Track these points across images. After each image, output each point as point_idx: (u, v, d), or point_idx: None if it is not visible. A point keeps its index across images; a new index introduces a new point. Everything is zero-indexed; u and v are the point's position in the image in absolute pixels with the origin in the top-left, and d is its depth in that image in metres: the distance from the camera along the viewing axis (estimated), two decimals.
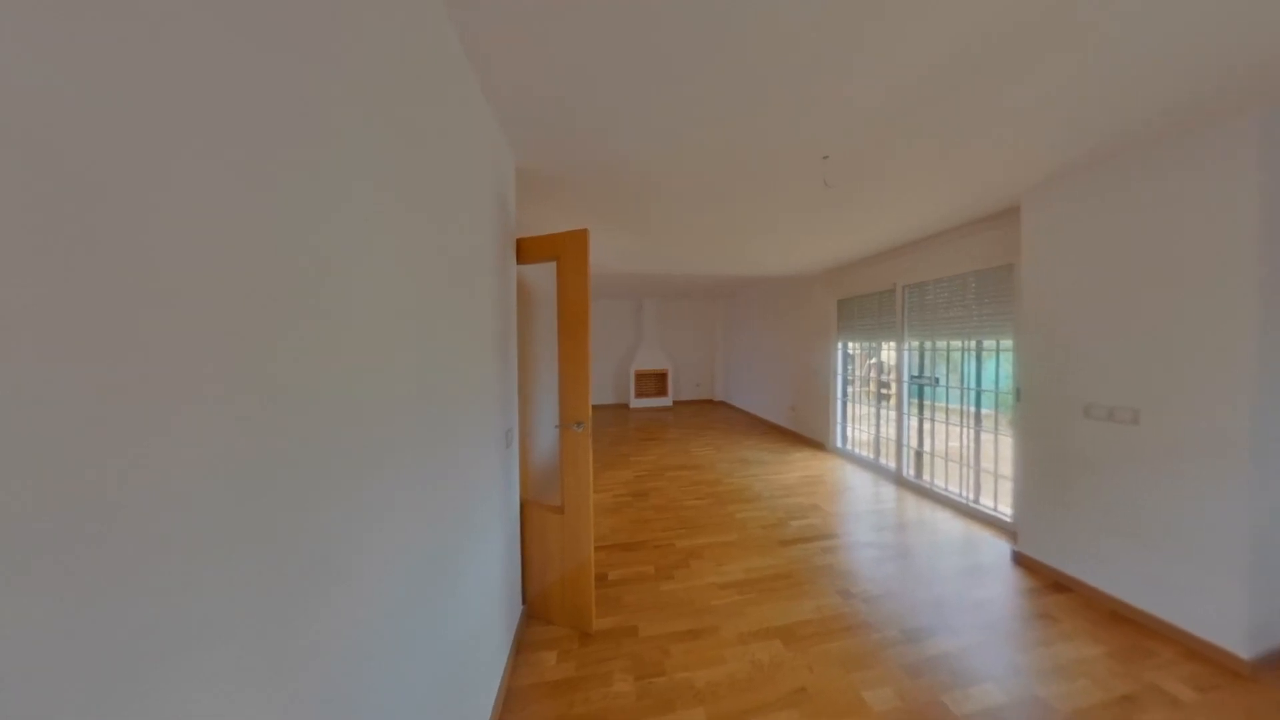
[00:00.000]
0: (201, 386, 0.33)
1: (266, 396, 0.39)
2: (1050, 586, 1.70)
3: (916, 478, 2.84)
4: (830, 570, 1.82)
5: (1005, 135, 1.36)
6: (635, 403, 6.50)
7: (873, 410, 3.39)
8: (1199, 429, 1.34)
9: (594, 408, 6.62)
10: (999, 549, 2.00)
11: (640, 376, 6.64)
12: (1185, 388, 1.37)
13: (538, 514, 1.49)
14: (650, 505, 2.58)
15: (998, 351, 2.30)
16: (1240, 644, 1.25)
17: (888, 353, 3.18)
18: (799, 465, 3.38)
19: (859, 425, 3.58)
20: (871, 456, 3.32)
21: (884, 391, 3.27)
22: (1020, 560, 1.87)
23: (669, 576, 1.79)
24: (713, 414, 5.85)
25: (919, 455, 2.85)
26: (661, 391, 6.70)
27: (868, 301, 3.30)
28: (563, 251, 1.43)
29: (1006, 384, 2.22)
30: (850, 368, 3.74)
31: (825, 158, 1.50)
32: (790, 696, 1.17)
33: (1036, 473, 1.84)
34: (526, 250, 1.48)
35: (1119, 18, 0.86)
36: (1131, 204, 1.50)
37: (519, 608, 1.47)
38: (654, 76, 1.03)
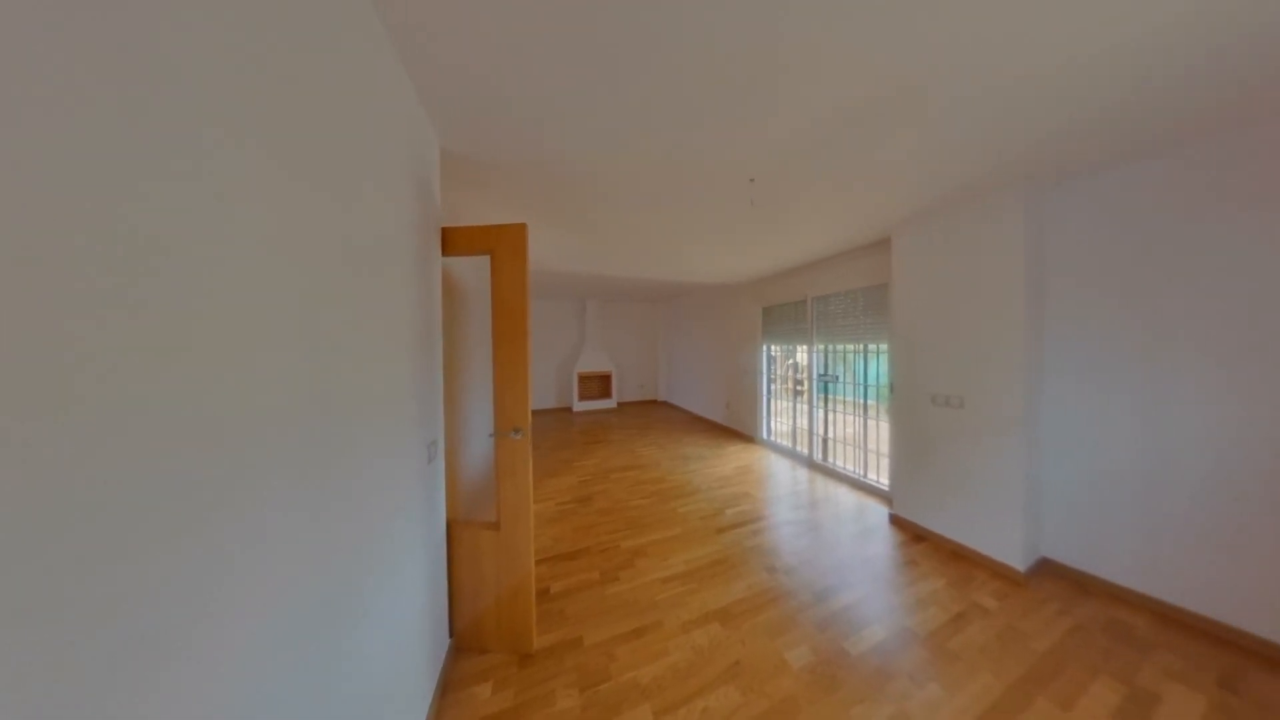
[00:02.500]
0: None
1: (35, 416, 0.29)
2: (914, 538, 2.16)
3: (823, 460, 3.34)
4: (759, 550, 2.03)
5: (878, 182, 1.72)
6: (578, 406, 6.37)
7: (790, 405, 3.89)
8: (996, 410, 1.85)
9: (534, 413, 6.28)
10: (880, 513, 2.47)
11: (584, 379, 6.52)
12: (988, 379, 1.88)
13: (469, 534, 1.35)
14: (595, 509, 2.55)
15: (878, 354, 2.85)
16: (1018, 561, 1.76)
17: (801, 354, 3.69)
18: (733, 458, 3.70)
19: (780, 418, 4.07)
20: (790, 445, 3.80)
21: (798, 388, 3.78)
22: (894, 520, 2.34)
23: (614, 579, 1.79)
24: (656, 414, 6.04)
25: (825, 441, 3.37)
26: (605, 394, 6.68)
27: (786, 310, 3.79)
28: (498, 245, 1.33)
29: (884, 380, 2.76)
30: (773, 368, 4.24)
31: (752, 180, 1.69)
32: (727, 672, 1.27)
33: (903, 449, 2.32)
34: (455, 241, 1.34)
35: (946, 102, 1.17)
36: (957, 242, 2.01)
37: (445, 642, 1.32)
38: (597, 75, 1.04)
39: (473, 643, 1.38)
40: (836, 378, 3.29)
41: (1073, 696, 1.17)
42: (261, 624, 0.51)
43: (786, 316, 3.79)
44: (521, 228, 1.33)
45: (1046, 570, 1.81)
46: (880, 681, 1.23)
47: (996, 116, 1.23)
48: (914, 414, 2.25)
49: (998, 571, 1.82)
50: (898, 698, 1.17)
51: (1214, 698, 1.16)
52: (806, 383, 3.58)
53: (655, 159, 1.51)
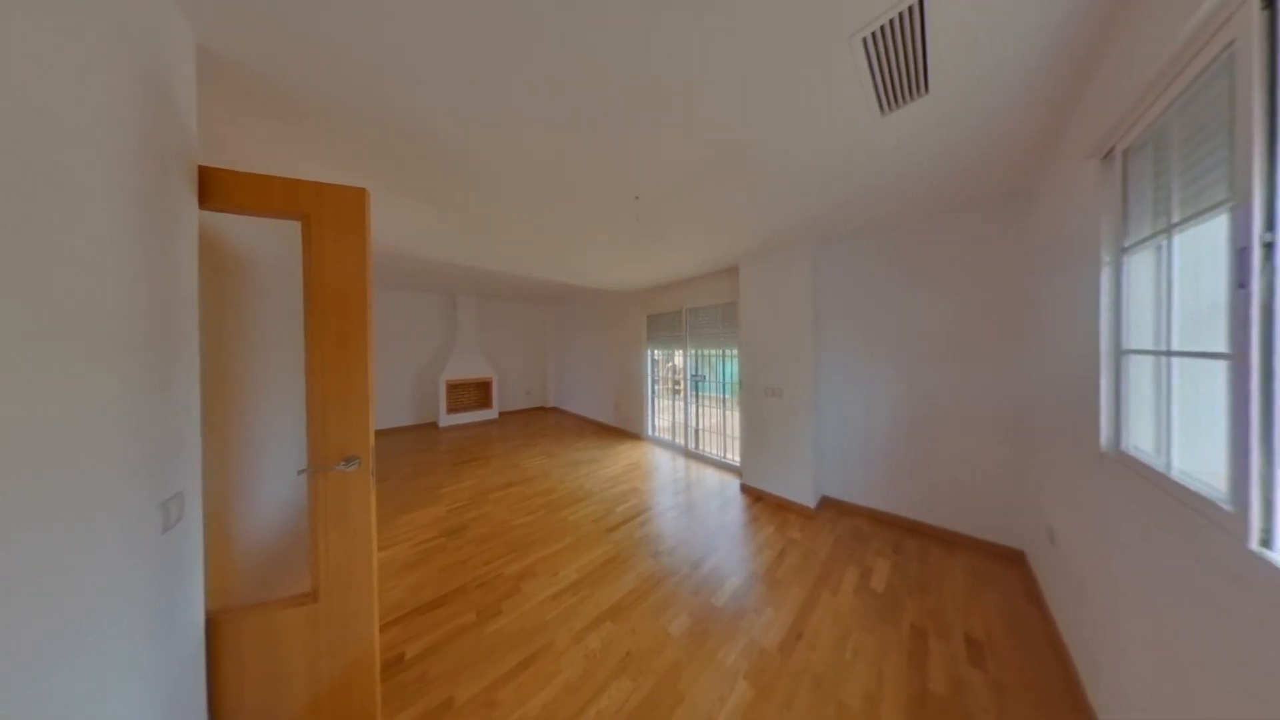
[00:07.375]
0: None
1: None
2: (756, 500, 2.79)
3: (696, 448, 3.93)
4: (646, 539, 2.21)
5: (729, 225, 2.17)
6: (446, 420, 5.38)
7: (670, 403, 4.41)
8: (798, 397, 2.62)
9: (379, 434, 4.92)
10: (734, 485, 3.09)
11: (455, 387, 5.56)
12: (795, 375, 2.64)
13: (255, 623, 0.94)
14: (469, 539, 2.21)
15: (732, 357, 3.57)
16: (810, 501, 2.54)
17: (679, 358, 4.23)
18: (623, 456, 3.88)
19: (662, 415, 4.55)
20: (670, 438, 4.29)
21: (676, 388, 4.33)
22: (744, 489, 2.98)
23: (496, 613, 1.59)
24: (544, 421, 5.72)
25: (696, 432, 3.96)
26: (484, 403, 5.89)
27: (666, 318, 4.28)
28: (315, 210, 0.99)
29: (735, 378, 3.48)
30: (656, 370, 4.70)
31: (637, 198, 1.83)
32: (619, 666, 1.32)
33: (747, 431, 2.98)
34: (228, 189, 0.93)
35: (770, 163, 1.60)
36: (777, 273, 2.75)
37: None
38: (470, 37, 0.91)
39: None
40: (704, 377, 3.94)
41: (838, 584, 1.77)
42: None
43: (667, 324, 4.28)
44: (360, 193, 1.03)
45: (826, 504, 2.67)
46: (736, 621, 1.54)
47: (794, 190, 1.76)
48: (754, 403, 2.92)
49: (800, 512, 2.56)
50: (748, 629, 1.49)
51: (892, 560, 1.97)
52: (682, 382, 4.12)
53: (542, 156, 1.45)
